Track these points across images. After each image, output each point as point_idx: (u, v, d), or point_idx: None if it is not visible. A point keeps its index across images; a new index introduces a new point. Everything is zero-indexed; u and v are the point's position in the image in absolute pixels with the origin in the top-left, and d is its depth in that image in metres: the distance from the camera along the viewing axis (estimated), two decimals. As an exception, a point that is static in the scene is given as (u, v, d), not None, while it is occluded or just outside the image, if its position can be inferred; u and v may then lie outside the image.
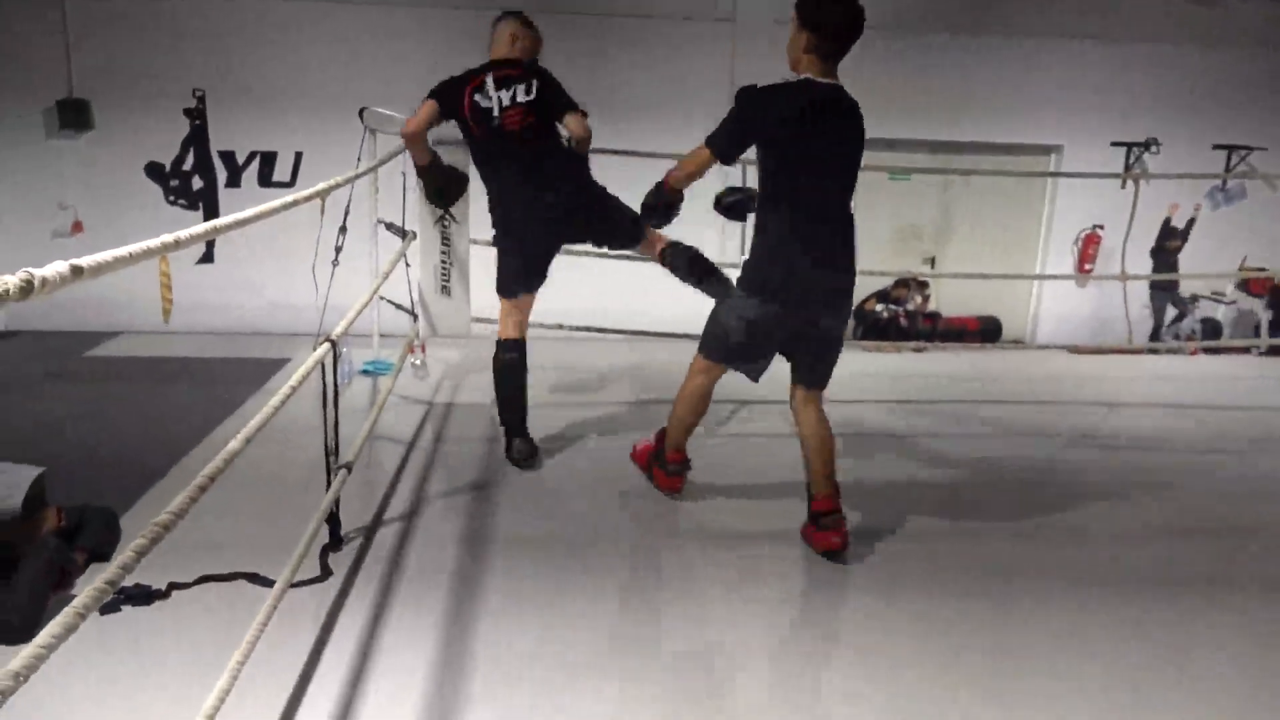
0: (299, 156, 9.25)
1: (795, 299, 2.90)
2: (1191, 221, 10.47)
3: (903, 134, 9.89)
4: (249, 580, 2.67)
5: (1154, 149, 10.38)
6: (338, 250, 4.85)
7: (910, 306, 10.23)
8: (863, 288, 10.22)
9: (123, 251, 1.46)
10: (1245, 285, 10.33)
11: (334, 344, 2.73)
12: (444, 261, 4.49)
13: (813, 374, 3.07)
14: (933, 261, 10.70)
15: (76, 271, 1.29)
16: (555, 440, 4.08)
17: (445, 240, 4.46)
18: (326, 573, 2.75)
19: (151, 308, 9.45)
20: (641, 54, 9.57)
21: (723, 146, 2.87)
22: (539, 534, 3.14)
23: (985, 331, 10.59)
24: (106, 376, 6.17)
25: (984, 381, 5.57)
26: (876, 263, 10.27)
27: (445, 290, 4.51)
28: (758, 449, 4.10)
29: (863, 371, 5.70)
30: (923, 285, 10.30)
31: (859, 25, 2.76)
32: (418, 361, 4.85)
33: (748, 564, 2.98)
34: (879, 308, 10.17)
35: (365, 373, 4.78)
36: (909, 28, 9.67)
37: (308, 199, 2.60)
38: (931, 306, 10.44)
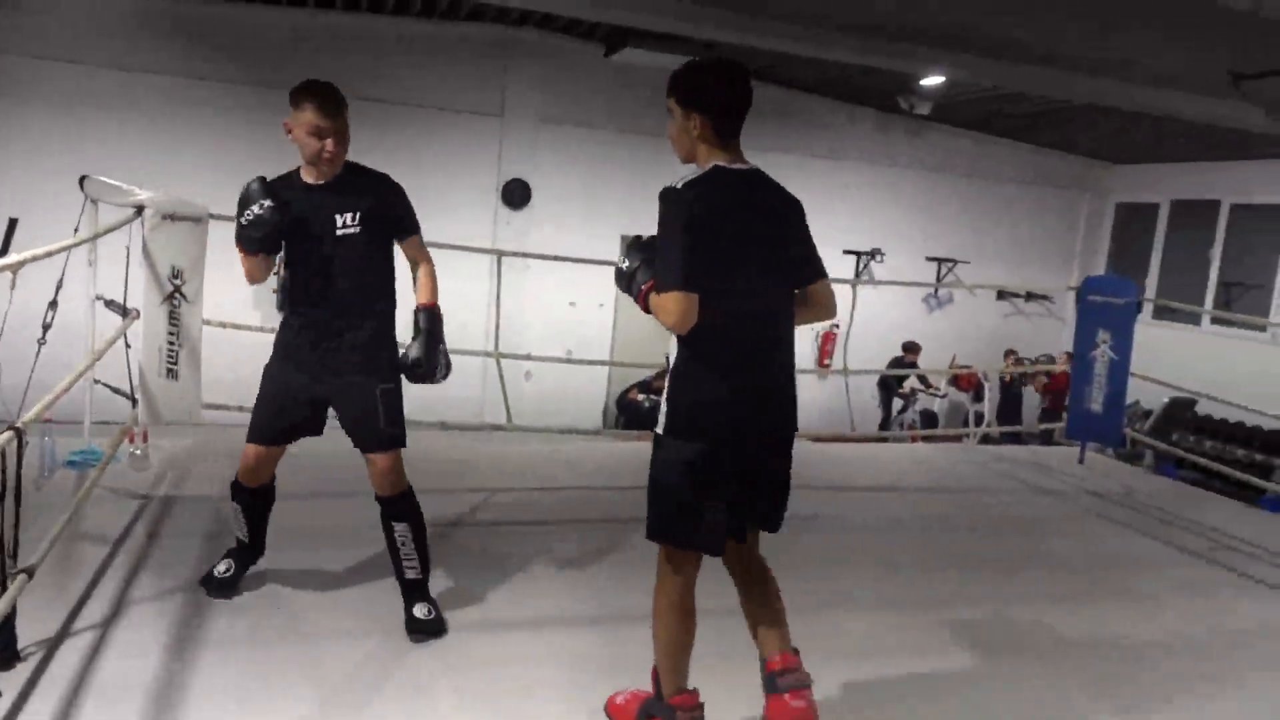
0: (12, 223, 8.35)
1: (740, 437, 2.35)
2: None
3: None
4: (-111, 710, 2.27)
5: (879, 257, 11.62)
6: (45, 328, 4.39)
7: (669, 396, 10.64)
8: (624, 378, 10.63)
9: None
10: (955, 381, 11.64)
11: (19, 431, 2.45)
12: (171, 342, 4.18)
13: (757, 513, 2.48)
14: (689, 354, 11.25)
15: None
16: (279, 532, 3.84)
17: (174, 319, 4.15)
18: (-8, 694, 2.40)
19: None
20: (418, 141, 9.57)
21: (681, 273, 2.26)
22: (259, 636, 2.91)
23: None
24: None
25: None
26: (638, 354, 10.68)
27: (171, 374, 4.18)
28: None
29: (619, 462, 5.83)
30: (679, 376, 10.77)
31: (748, 93, 2.41)
32: (137, 451, 4.43)
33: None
34: (640, 398, 10.51)
35: (72, 464, 4.30)
36: (659, 133, 10.34)
37: (-6, 271, 2.35)
38: (688, 396, 10.91)
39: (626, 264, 2.48)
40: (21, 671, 2.54)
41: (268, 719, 2.50)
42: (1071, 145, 11.80)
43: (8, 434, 2.40)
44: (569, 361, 8.20)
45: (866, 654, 3.23)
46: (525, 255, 7.74)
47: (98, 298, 4.36)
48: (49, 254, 2.77)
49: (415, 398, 3.12)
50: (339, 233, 2.92)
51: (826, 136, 11.07)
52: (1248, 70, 5.69)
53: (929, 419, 11.45)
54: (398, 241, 3.05)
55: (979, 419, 11.79)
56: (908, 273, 11.52)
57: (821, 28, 5.55)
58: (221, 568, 3.19)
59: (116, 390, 4.43)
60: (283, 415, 3.03)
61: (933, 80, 8.87)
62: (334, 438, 3.11)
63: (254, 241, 2.92)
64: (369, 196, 2.97)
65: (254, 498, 3.16)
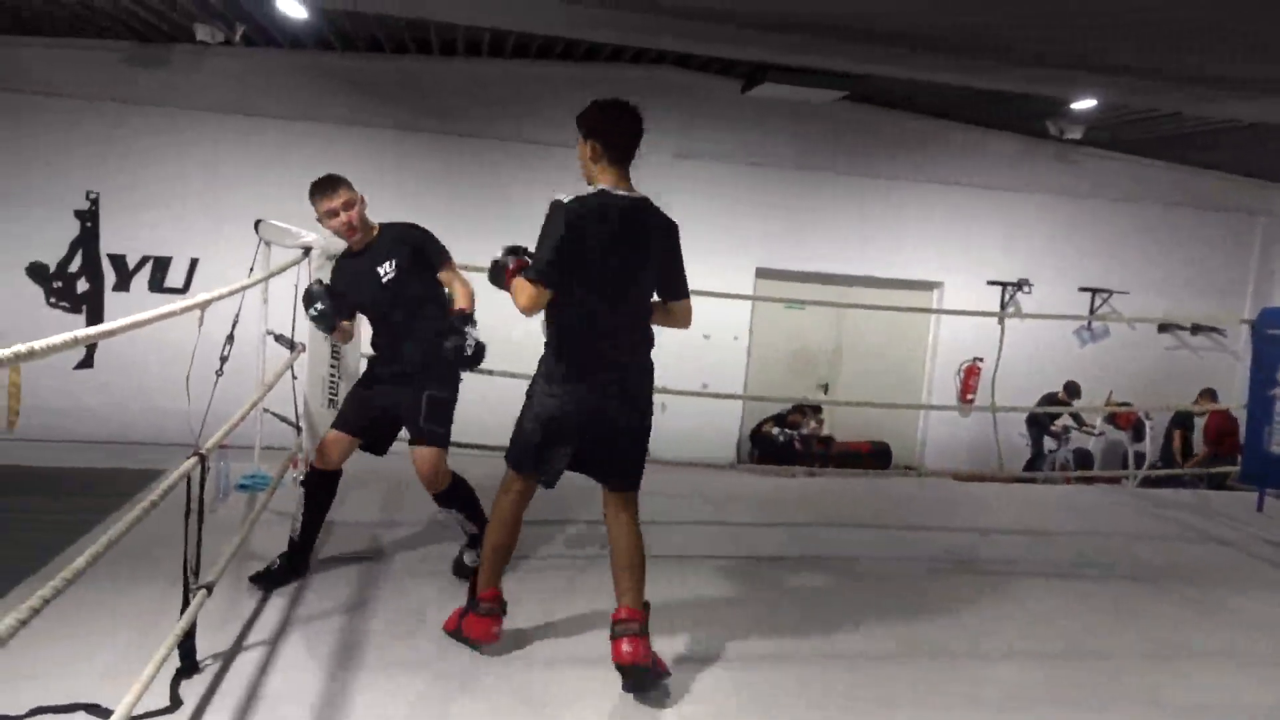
0: (194, 263, 9.11)
1: (584, 403, 2.91)
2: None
3: (798, 265, 10.38)
4: (88, 712, 2.48)
5: (1026, 288, 11.14)
6: (223, 360, 4.75)
7: (805, 431, 10.51)
8: (757, 412, 10.55)
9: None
10: (1112, 419, 10.97)
11: (203, 457, 2.66)
12: (333, 375, 4.44)
13: (608, 474, 2.99)
14: (826, 387, 11.09)
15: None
16: (434, 558, 3.99)
17: (335, 354, 4.42)
18: (176, 702, 2.59)
19: (23, 413, 8.92)
20: (565, 179, 9.85)
21: (542, 270, 2.83)
22: (416, 658, 3.03)
23: (876, 454, 10.93)
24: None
25: (871, 507, 5.71)
26: (772, 387, 10.61)
27: (332, 404, 4.44)
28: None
29: (755, 495, 5.78)
30: (817, 410, 10.62)
31: (632, 121, 2.88)
32: (299, 477, 4.71)
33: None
34: (775, 431, 10.41)
35: (242, 488, 4.61)
36: (810, 168, 10.29)
37: (184, 310, 2.57)
38: (825, 431, 10.74)
39: (500, 257, 3.03)
40: (200, 681, 2.73)
41: (419, 739, 2.59)
42: (1238, 165, 11.04)
43: (193, 460, 2.61)
44: (704, 395, 8.22)
45: (1013, 707, 3.06)
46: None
47: (268, 332, 4.69)
48: (232, 293, 3.02)
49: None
50: (384, 280, 3.55)
51: (968, 164, 10.76)
52: None
53: (1083, 459, 10.84)
54: (437, 272, 3.58)
55: (1139, 460, 11.07)
56: (1058, 304, 10.99)
57: (971, 57, 5.42)
58: (275, 563, 3.62)
59: (283, 419, 4.74)
60: (360, 413, 3.66)
61: (1086, 104, 8.50)
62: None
63: (324, 328, 3.65)
64: (399, 245, 3.58)
65: (321, 480, 3.70)
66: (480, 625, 3.04)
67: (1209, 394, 10.50)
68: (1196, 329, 11.57)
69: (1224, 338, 11.71)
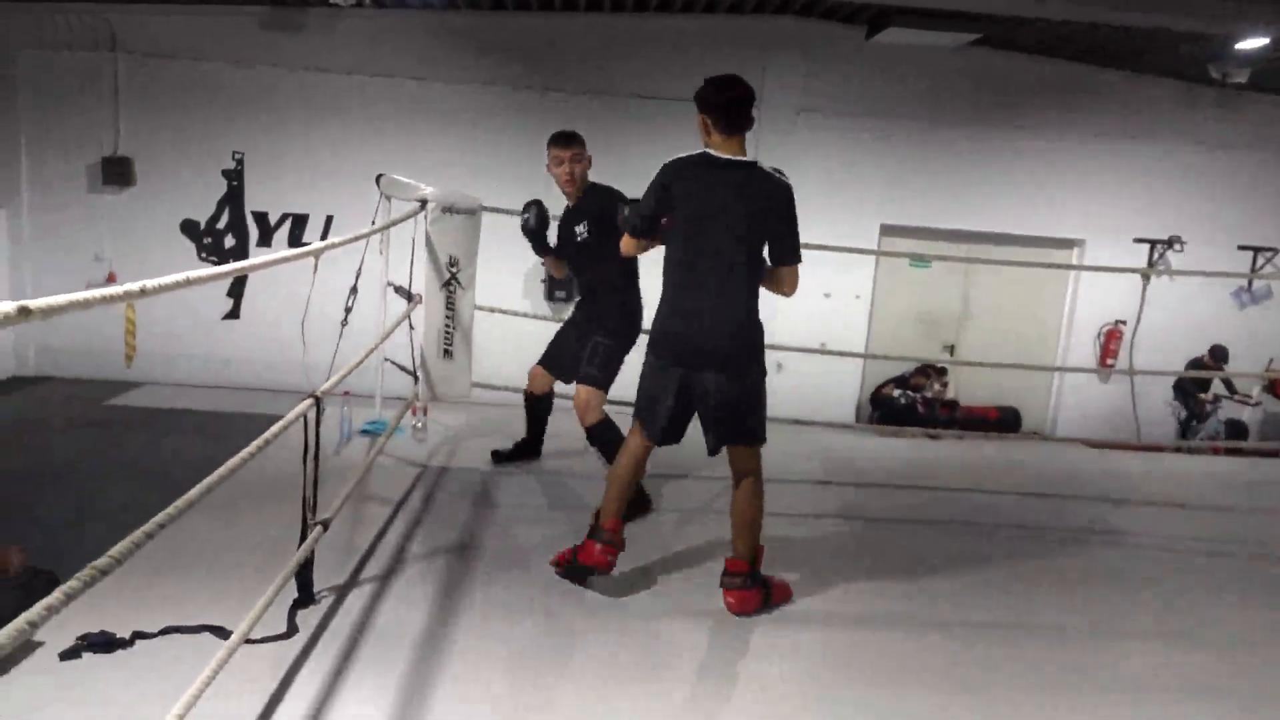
0: (329, 219, 9.51)
1: (679, 357, 3.07)
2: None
3: (925, 221, 9.98)
4: (213, 633, 2.65)
5: (1177, 246, 10.37)
6: (348, 310, 4.94)
7: (929, 394, 10.16)
8: (879, 372, 10.27)
9: (78, 296, 1.50)
10: (1271, 387, 10.16)
11: (318, 400, 2.77)
12: (448, 325, 4.56)
13: (717, 435, 3.09)
14: (951, 349, 10.67)
15: (24, 312, 1.34)
16: (541, 507, 4.07)
17: (450, 304, 4.53)
18: (293, 629, 2.74)
19: (172, 363, 9.69)
20: (684, 136, 9.78)
21: (634, 223, 3.17)
22: (516, 600, 3.11)
23: (1004, 421, 10.47)
24: (122, 425, 6.26)
25: (999, 472, 5.48)
26: (895, 348, 10.28)
27: (448, 354, 4.57)
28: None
29: (875, 456, 5.64)
30: (942, 373, 10.24)
31: (740, 97, 2.99)
32: (418, 424, 4.88)
33: (737, 645, 2.93)
34: (896, 393, 10.12)
35: (365, 433, 4.81)
36: (939, 120, 9.83)
37: (298, 256, 2.67)
38: (950, 394, 10.36)
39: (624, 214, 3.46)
40: (315, 612, 2.88)
41: (532, 685, 2.66)
42: None
43: (309, 401, 2.73)
44: (821, 353, 8.05)
45: (1144, 690, 2.89)
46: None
47: (389, 284, 4.84)
48: (345, 243, 3.11)
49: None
50: (578, 240, 4.03)
51: (1117, 113, 10.02)
52: None
53: (1236, 430, 10.09)
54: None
55: (1301, 432, 10.24)
56: (1214, 263, 10.17)
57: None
58: (507, 448, 4.54)
59: (402, 368, 4.91)
60: (555, 349, 4.28)
61: (1256, 42, 7.75)
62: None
63: (528, 238, 4.17)
64: (596, 209, 3.94)
65: (532, 400, 4.44)
66: (599, 555, 3.14)
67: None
68: (1374, 291, 10.51)
69: (1407, 301, 10.61)
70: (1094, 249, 10.25)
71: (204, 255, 9.53)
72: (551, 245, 4.20)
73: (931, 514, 4.43)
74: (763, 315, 3.11)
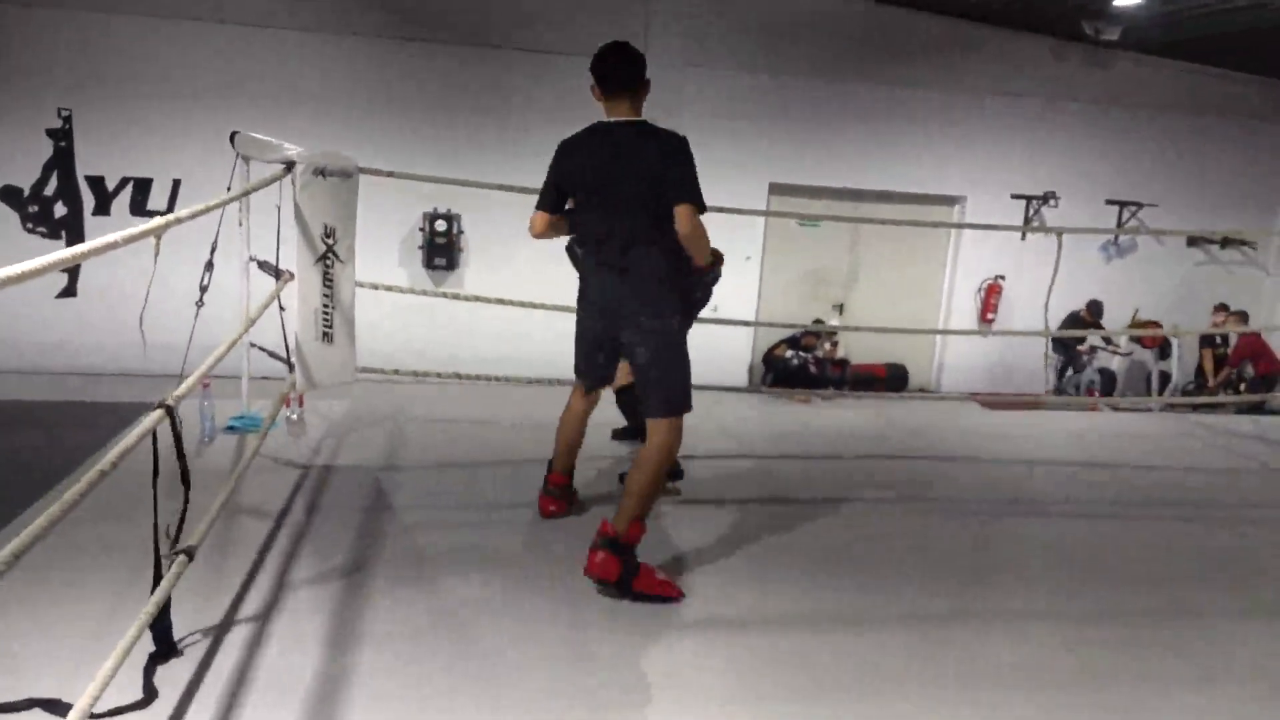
0: (176, 184, 8.58)
1: (594, 313, 3.23)
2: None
3: (813, 180, 9.85)
4: (45, 709, 2.13)
5: (1052, 202, 10.63)
6: (203, 290, 4.33)
7: (820, 353, 10.14)
8: (770, 334, 10.16)
9: None
10: (1139, 337, 10.61)
11: (170, 410, 2.25)
12: (326, 305, 4.02)
13: (641, 391, 3.17)
14: (841, 308, 10.66)
15: None
16: (446, 507, 3.65)
17: (327, 281, 3.99)
18: (151, 694, 2.23)
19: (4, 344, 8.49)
20: (565, 92, 9.27)
21: (541, 199, 3.25)
22: (426, 623, 2.69)
23: (892, 379, 10.58)
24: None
25: (892, 434, 5.37)
26: (785, 308, 10.19)
27: (326, 337, 4.03)
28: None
29: (770, 422, 5.43)
30: (832, 332, 10.22)
31: (609, 56, 3.07)
32: (294, 416, 4.34)
33: (676, 661, 2.61)
34: (789, 354, 10.04)
35: (231, 429, 4.24)
36: (828, 76, 9.65)
37: (141, 236, 2.14)
38: (840, 353, 10.37)
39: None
40: (179, 668, 2.36)
41: (436, 728, 2.26)
42: (1278, 71, 10.40)
43: (157, 414, 2.21)
44: (711, 321, 7.79)
45: (1018, 685, 2.63)
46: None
47: (251, 259, 4.25)
48: (194, 215, 2.57)
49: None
50: None
51: (996, 70, 10.11)
52: None
53: (1108, 378, 10.50)
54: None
55: (1164, 380, 10.74)
56: (1085, 218, 10.49)
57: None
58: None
59: (273, 354, 4.34)
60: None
61: (1131, -1, 7.85)
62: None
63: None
64: None
65: (622, 396, 4.21)
66: (543, 501, 3.58)
67: (1240, 316, 10.10)
68: (1226, 243, 11.08)
69: (1254, 251, 11.25)
70: (974, 205, 10.39)
71: (30, 226, 8.46)
72: None
73: (833, 488, 4.21)
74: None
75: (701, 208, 2.94)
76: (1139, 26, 8.93)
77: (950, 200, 10.50)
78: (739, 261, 9.82)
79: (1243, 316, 10.12)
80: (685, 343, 3.13)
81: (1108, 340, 10.52)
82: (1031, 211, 10.61)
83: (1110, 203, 10.80)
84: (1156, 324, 10.39)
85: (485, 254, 9.07)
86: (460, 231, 9.00)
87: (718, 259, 3.24)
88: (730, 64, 9.44)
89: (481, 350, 8.03)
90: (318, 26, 8.56)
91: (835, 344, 10.32)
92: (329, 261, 3.97)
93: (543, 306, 5.11)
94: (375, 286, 4.99)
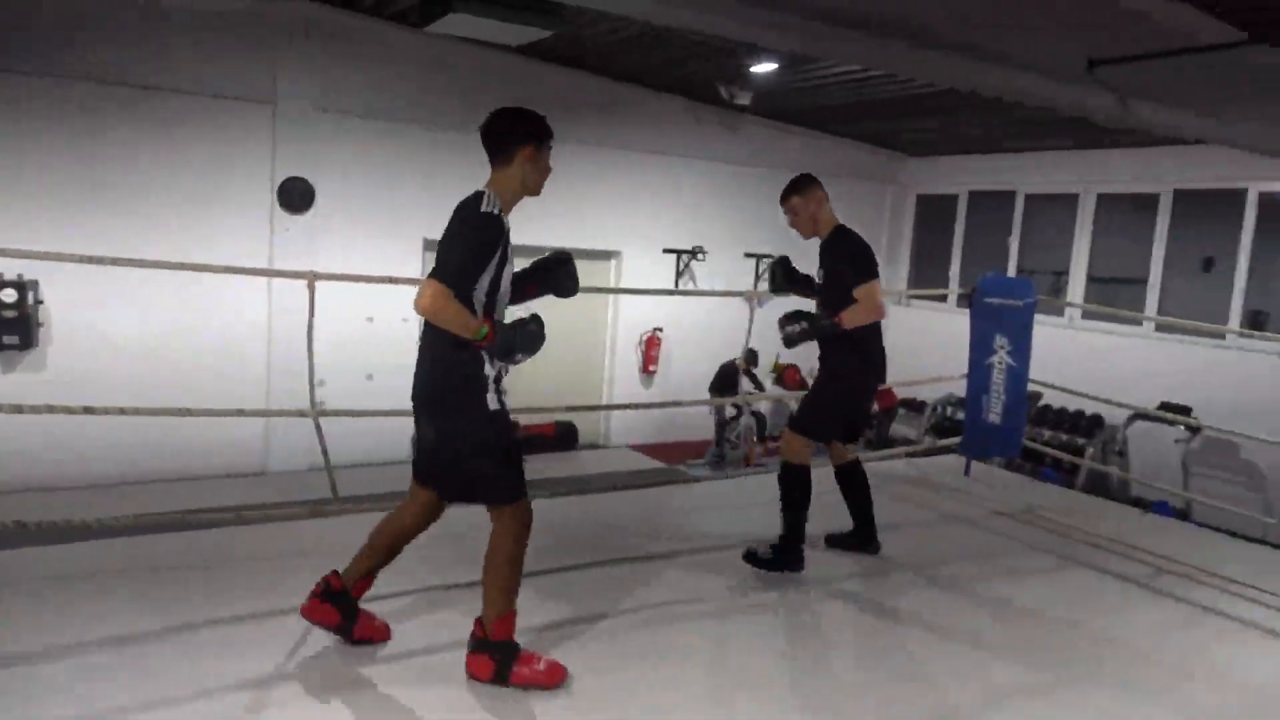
0: None
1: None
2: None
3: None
4: None
5: (700, 255, 11.11)
6: None
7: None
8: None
9: None
10: (781, 379, 11.36)
11: None
12: None
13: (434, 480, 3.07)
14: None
15: None
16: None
17: None
18: None
19: None
20: (190, 134, 7.95)
21: None
22: None
23: (562, 436, 10.33)
24: None
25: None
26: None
27: None
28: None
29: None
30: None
31: (484, 132, 3.17)
32: None
33: None
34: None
35: None
36: (476, 125, 9.24)
37: None
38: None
39: None
40: None
41: None
42: (880, 138, 11.83)
43: None
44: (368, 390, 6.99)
45: None
46: (333, 277, 6.15)
47: None
48: None
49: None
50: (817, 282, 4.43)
51: (647, 131, 10.42)
52: (1104, 56, 5.46)
53: (760, 421, 11.11)
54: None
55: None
56: (729, 270, 11.11)
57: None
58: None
59: None
60: None
61: (766, 67, 8.35)
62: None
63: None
64: (830, 255, 4.21)
65: (839, 477, 4.31)
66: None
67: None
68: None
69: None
70: (630, 259, 10.55)
71: None
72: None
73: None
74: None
75: (449, 284, 2.79)
76: (769, 93, 9.60)
77: (609, 255, 10.57)
78: (398, 325, 9.05)
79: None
80: (490, 428, 2.91)
81: (757, 383, 11.13)
82: (682, 265, 11.01)
83: (749, 255, 11.52)
84: (795, 367, 11.18)
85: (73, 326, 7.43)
86: (39, 301, 7.26)
87: (495, 330, 2.93)
88: (370, 110, 8.74)
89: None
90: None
91: (503, 405, 9.89)
92: None
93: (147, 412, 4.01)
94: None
